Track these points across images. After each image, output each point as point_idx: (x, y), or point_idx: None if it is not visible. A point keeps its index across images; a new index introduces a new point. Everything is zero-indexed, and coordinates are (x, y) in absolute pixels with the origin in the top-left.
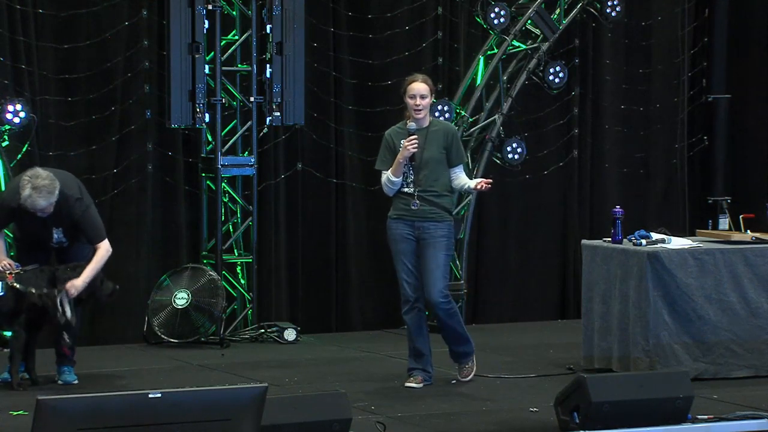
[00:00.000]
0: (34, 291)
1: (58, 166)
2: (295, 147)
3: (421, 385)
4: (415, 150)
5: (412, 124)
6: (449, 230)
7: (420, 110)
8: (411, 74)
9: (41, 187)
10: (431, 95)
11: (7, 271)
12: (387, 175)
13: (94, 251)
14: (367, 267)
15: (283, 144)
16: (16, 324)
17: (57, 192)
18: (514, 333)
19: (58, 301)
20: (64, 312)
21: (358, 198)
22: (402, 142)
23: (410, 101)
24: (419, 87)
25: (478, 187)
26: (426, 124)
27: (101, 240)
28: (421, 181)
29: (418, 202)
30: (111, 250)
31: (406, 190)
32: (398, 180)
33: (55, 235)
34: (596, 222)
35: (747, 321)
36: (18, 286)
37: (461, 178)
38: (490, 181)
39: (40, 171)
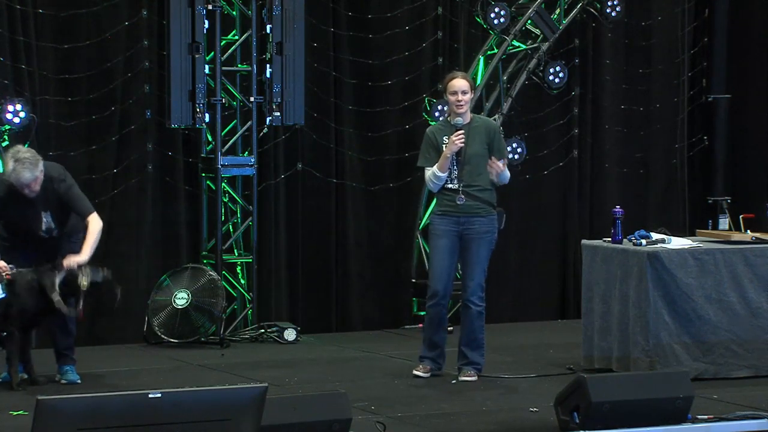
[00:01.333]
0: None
1: None
2: (295, 147)
3: (428, 374)
4: (462, 145)
5: (458, 120)
6: (493, 225)
7: (462, 105)
8: (451, 73)
9: (24, 159)
10: (472, 91)
11: (3, 273)
12: (433, 171)
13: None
14: (367, 267)
15: (283, 144)
16: (10, 324)
17: (41, 165)
18: (514, 333)
19: (58, 281)
20: (74, 286)
21: (358, 198)
22: (445, 138)
23: (452, 98)
24: (460, 83)
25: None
26: (468, 119)
27: (91, 211)
28: (465, 177)
29: (463, 197)
30: (102, 222)
31: (450, 186)
32: (444, 175)
33: (45, 220)
34: (596, 222)
35: (747, 321)
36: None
37: (506, 172)
38: (499, 166)
39: (19, 147)
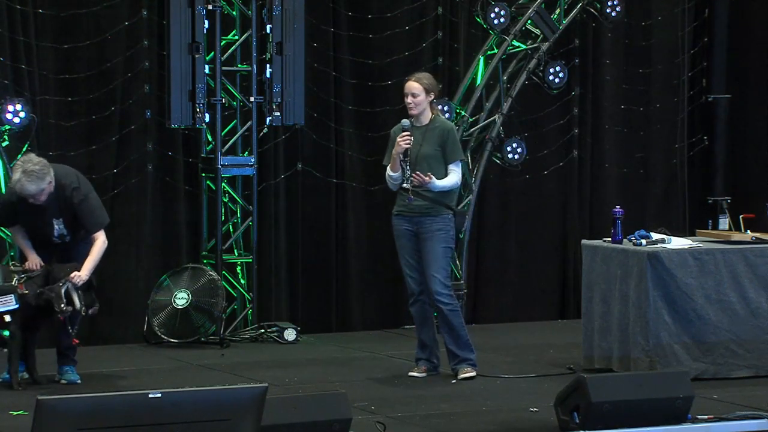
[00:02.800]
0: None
1: None
2: (295, 147)
3: (424, 374)
4: (408, 146)
5: (406, 121)
6: (446, 224)
7: (412, 108)
8: (411, 74)
9: (31, 171)
10: (426, 94)
11: (21, 281)
12: (388, 170)
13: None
14: (367, 267)
15: (283, 144)
16: (12, 324)
17: (48, 179)
18: (514, 333)
19: (63, 291)
20: (71, 302)
21: (358, 198)
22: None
23: (405, 99)
24: (410, 86)
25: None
26: (426, 121)
27: (98, 229)
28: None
29: (412, 197)
30: (107, 242)
31: (404, 185)
32: (396, 174)
33: (56, 227)
34: (596, 222)
35: (747, 321)
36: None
37: (450, 176)
38: (423, 179)
39: (32, 156)
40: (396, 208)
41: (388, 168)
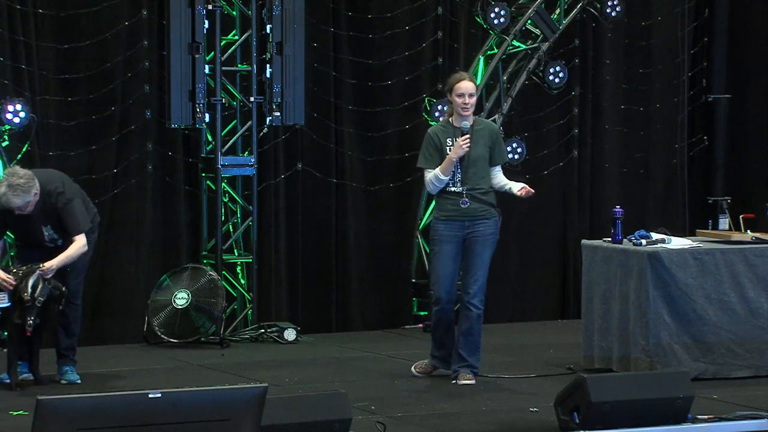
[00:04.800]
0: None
1: (57, 166)
2: (295, 147)
3: (423, 375)
4: (468, 149)
5: (465, 123)
6: (497, 227)
7: (468, 108)
8: (457, 72)
9: (16, 185)
10: (477, 94)
11: (6, 283)
12: (435, 173)
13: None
14: (367, 267)
15: (283, 144)
16: (9, 325)
17: (33, 191)
18: (514, 333)
19: (31, 281)
20: (32, 291)
21: (358, 198)
22: (449, 140)
23: (458, 99)
24: (468, 86)
25: (521, 193)
26: (471, 122)
27: (78, 233)
28: (470, 180)
29: (467, 200)
30: (87, 247)
31: (453, 189)
32: (446, 179)
33: (46, 233)
34: (596, 222)
35: (747, 321)
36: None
37: (499, 177)
38: (533, 191)
39: (18, 170)
40: (442, 213)
41: (437, 171)
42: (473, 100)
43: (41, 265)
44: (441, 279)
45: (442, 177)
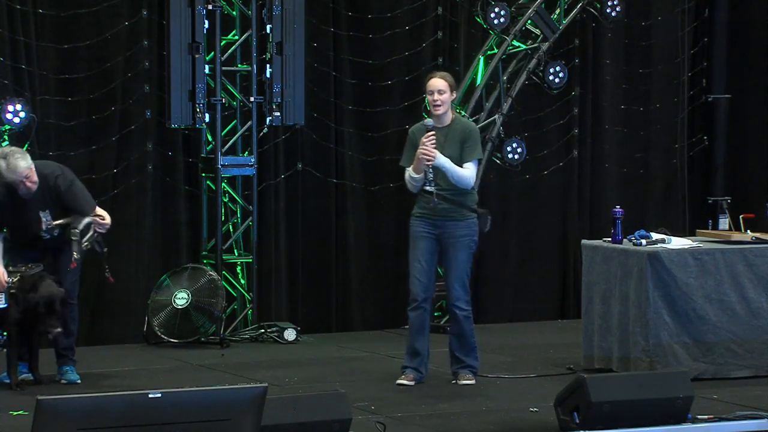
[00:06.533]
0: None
1: None
2: (295, 147)
3: (412, 383)
4: (433, 147)
5: (430, 121)
6: (471, 229)
7: (438, 105)
8: (431, 72)
9: (12, 151)
10: (451, 91)
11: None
12: (408, 172)
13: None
14: (367, 267)
15: (283, 144)
16: (9, 325)
17: (30, 159)
18: (514, 333)
19: (84, 221)
20: (83, 231)
21: (358, 198)
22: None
23: (429, 97)
24: (436, 82)
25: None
26: (448, 122)
27: (93, 209)
28: (440, 179)
29: (437, 200)
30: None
31: (427, 188)
32: (419, 177)
33: (44, 220)
34: (596, 222)
35: (747, 321)
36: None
37: (464, 170)
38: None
39: (5, 147)
40: (417, 210)
41: (410, 169)
42: (444, 96)
43: (99, 214)
44: (416, 277)
45: (414, 175)
